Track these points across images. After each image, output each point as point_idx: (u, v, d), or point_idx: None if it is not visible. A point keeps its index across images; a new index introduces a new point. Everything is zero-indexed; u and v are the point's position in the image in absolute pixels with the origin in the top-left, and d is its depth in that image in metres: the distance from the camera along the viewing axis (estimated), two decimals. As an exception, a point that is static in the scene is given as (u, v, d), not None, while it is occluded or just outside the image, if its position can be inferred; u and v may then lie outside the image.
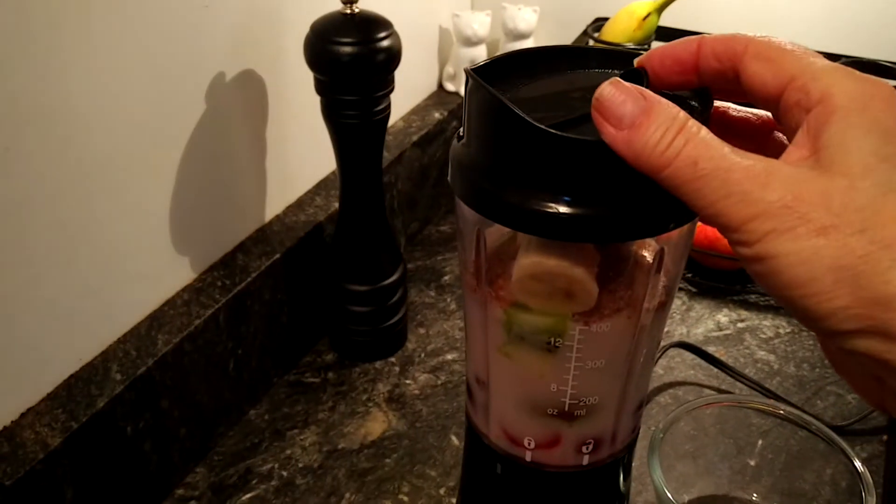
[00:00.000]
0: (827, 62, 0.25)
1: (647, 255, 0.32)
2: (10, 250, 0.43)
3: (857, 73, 0.25)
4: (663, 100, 0.26)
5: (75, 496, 0.46)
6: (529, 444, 0.36)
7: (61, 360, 0.48)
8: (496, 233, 0.33)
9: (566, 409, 0.34)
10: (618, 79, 0.27)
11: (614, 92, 0.26)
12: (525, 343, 0.33)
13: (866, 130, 0.24)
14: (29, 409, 0.46)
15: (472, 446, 0.39)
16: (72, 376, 0.48)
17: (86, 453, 0.46)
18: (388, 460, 0.57)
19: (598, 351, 0.32)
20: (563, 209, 0.27)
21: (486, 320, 0.34)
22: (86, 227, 0.47)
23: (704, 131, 0.25)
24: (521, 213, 0.28)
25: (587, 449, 0.35)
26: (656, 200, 0.27)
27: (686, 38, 0.28)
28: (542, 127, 0.26)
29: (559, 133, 0.26)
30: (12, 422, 0.45)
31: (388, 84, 0.54)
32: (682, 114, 0.25)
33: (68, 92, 0.43)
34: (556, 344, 0.32)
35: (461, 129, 0.31)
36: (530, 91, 0.30)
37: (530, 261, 0.30)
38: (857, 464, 0.49)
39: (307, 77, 0.54)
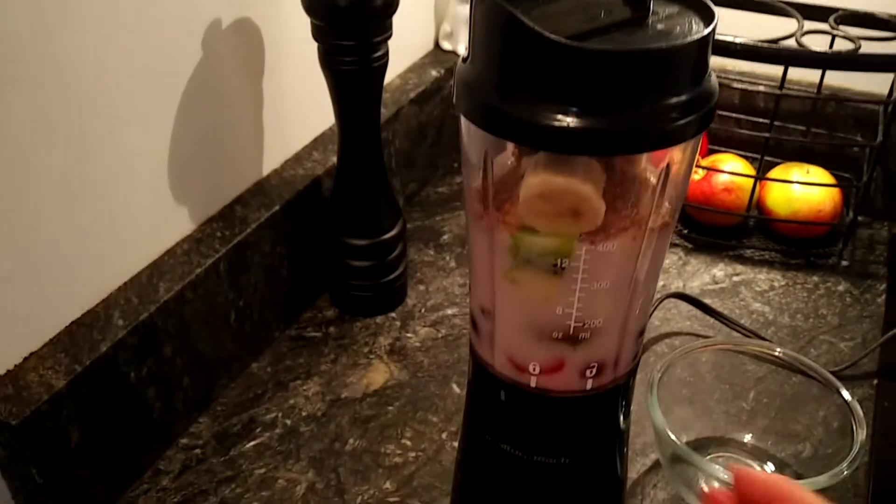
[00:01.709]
0: None
1: (652, 176, 0.32)
2: (11, 198, 0.43)
3: None
4: None
5: (81, 439, 0.47)
6: (534, 369, 0.36)
7: (63, 307, 0.48)
8: (501, 161, 0.33)
9: (571, 332, 0.34)
10: None
11: None
12: (531, 266, 0.33)
13: None
14: (32, 354, 0.46)
15: (476, 378, 0.40)
16: (74, 322, 0.48)
17: (90, 397, 0.47)
18: (390, 408, 0.58)
19: (604, 271, 0.32)
20: (571, 122, 0.28)
21: (492, 247, 0.34)
22: (86, 176, 0.47)
23: None
24: (529, 128, 0.28)
25: (591, 373, 0.36)
26: (663, 113, 0.28)
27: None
28: (551, 36, 0.27)
29: (567, 42, 0.27)
30: (15, 365, 0.45)
31: (385, 30, 0.54)
32: None
33: (65, 39, 0.43)
34: (563, 265, 0.32)
35: (466, 52, 0.31)
36: (550, 7, 0.30)
37: (538, 179, 0.31)
38: (848, 396, 0.50)
39: (303, 25, 0.54)
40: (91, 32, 0.45)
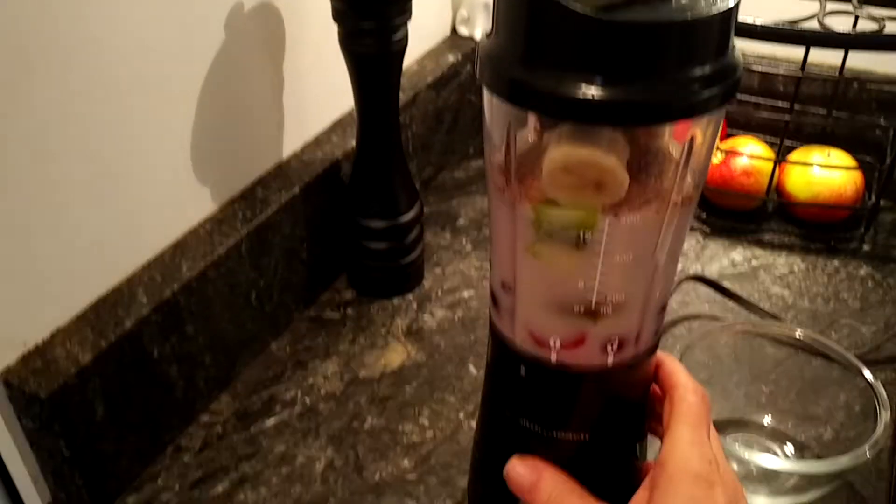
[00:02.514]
0: (692, 437, 0.36)
1: (675, 149, 0.32)
2: (40, 176, 0.43)
3: (700, 451, 0.35)
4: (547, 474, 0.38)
5: (107, 414, 0.47)
6: (555, 344, 0.36)
7: (89, 284, 0.49)
8: (524, 134, 0.33)
9: (593, 306, 0.34)
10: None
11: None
12: (554, 240, 0.33)
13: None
14: (59, 329, 0.47)
15: (496, 354, 0.40)
16: (99, 299, 0.49)
17: (115, 373, 0.47)
18: (408, 388, 0.58)
19: (627, 244, 0.32)
20: (595, 92, 0.28)
21: (513, 221, 0.34)
22: (111, 155, 0.47)
23: (575, 496, 0.37)
24: (552, 99, 0.28)
25: (612, 348, 0.36)
26: (687, 84, 0.28)
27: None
28: (576, 8, 0.27)
29: (592, 14, 0.27)
30: (43, 340, 0.46)
31: (405, 11, 0.54)
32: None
33: (93, 21, 0.44)
34: (585, 238, 0.32)
35: (490, 26, 0.32)
36: None
37: (561, 152, 0.31)
38: (871, 377, 0.50)
39: (324, 8, 0.54)
40: (117, 14, 0.45)
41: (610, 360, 0.36)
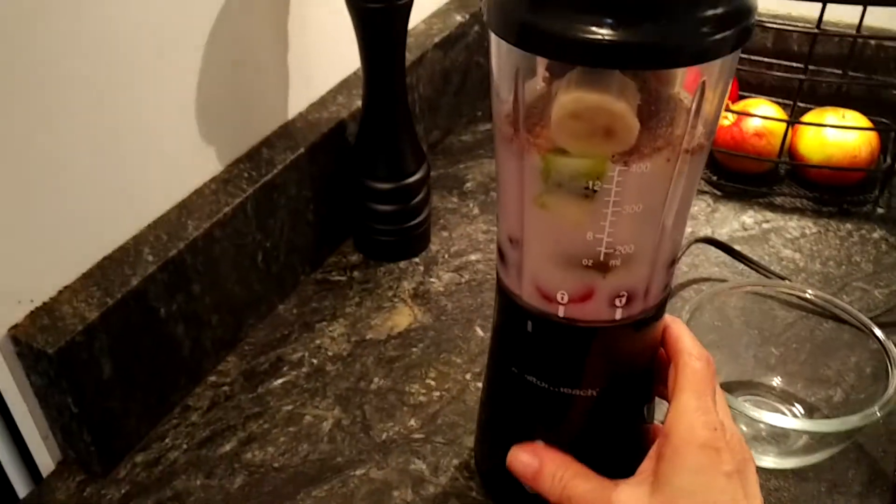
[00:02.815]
0: (697, 404, 0.36)
1: (686, 96, 0.31)
2: (46, 134, 0.43)
3: (705, 419, 0.36)
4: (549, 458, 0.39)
5: (114, 371, 0.47)
6: (563, 298, 0.36)
7: (95, 243, 0.48)
8: (533, 82, 0.33)
9: (601, 258, 0.34)
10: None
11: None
12: (562, 190, 0.33)
13: (688, 473, 0.35)
14: (65, 287, 0.47)
15: (503, 310, 0.40)
16: (105, 258, 0.49)
17: (122, 330, 0.47)
18: (414, 349, 0.58)
19: (637, 194, 0.32)
20: (606, 35, 0.27)
21: (521, 172, 0.34)
22: (115, 111, 0.47)
23: (579, 478, 0.38)
24: (562, 42, 0.28)
25: (620, 303, 0.36)
26: (699, 26, 0.27)
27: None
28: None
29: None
30: (50, 298, 0.46)
31: (413, -35, 0.53)
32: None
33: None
34: (595, 188, 0.32)
35: None
36: None
37: (570, 97, 0.30)
38: (883, 336, 0.50)
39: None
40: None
41: (618, 314, 0.36)
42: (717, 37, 0.28)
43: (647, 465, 0.37)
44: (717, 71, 0.30)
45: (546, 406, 0.40)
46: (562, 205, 0.33)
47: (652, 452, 0.37)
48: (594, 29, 0.27)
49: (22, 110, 0.41)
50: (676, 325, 0.40)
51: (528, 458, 0.40)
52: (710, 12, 0.28)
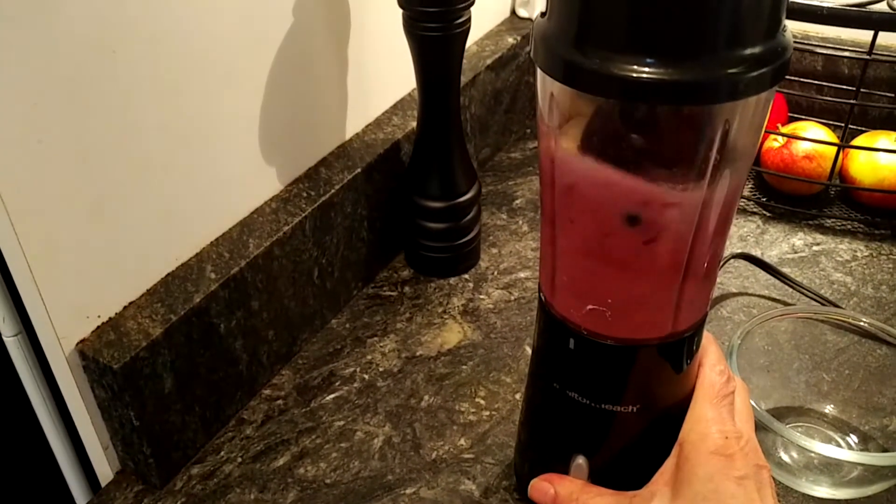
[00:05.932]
0: (712, 414, 0.38)
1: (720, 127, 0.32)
2: (118, 151, 0.45)
3: (719, 428, 0.38)
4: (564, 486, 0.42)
5: (174, 386, 0.49)
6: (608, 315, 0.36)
7: (159, 260, 0.50)
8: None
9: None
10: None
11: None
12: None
13: (700, 480, 0.37)
14: (131, 303, 0.49)
15: (545, 326, 0.41)
16: (169, 274, 0.51)
17: (183, 345, 0.49)
18: (464, 367, 0.59)
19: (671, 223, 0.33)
20: (646, 73, 0.28)
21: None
22: (183, 134, 0.48)
23: (595, 495, 0.41)
24: (603, 80, 0.29)
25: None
26: (736, 64, 0.28)
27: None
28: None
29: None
30: (116, 313, 0.48)
31: (469, -6, 0.54)
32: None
33: (171, 9, 0.45)
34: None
35: (545, 7, 0.32)
36: None
37: None
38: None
39: (389, -11, 0.55)
40: (193, 2, 0.46)
41: (662, 332, 0.37)
42: (754, 74, 0.29)
43: (668, 464, 0.39)
44: (752, 107, 0.31)
45: (587, 422, 0.41)
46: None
47: (673, 454, 0.39)
48: (634, 68, 0.28)
49: (95, 132, 0.43)
50: (705, 339, 0.42)
51: (543, 485, 0.43)
52: (748, 51, 0.29)
